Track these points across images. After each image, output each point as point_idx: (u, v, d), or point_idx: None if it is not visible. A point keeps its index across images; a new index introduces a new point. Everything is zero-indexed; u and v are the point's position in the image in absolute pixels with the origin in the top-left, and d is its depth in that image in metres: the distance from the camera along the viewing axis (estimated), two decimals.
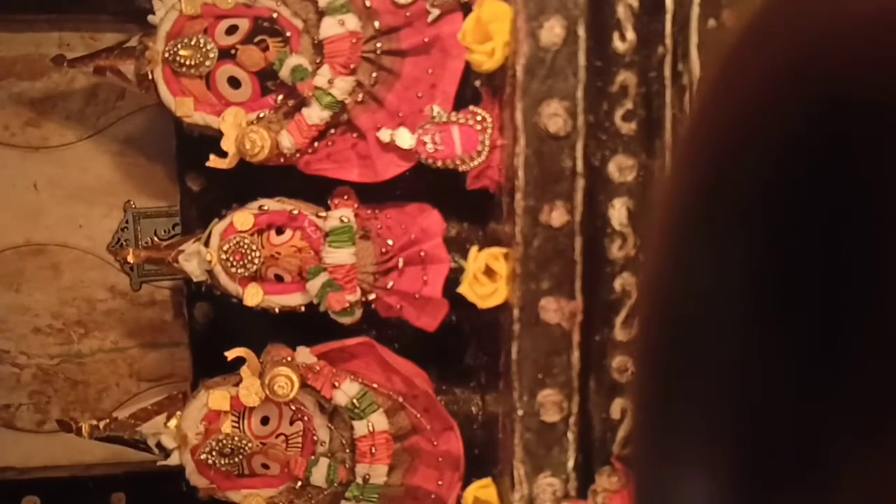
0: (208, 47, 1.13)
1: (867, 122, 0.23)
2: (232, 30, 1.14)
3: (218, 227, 1.15)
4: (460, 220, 1.19)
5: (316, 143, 1.15)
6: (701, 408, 0.26)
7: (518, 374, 1.10)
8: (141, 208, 1.50)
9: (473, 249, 1.12)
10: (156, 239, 1.50)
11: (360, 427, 1.17)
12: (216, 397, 1.17)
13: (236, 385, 1.16)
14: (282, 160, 1.14)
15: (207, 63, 1.13)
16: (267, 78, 1.13)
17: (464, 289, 1.12)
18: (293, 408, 1.19)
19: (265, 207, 1.15)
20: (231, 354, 1.15)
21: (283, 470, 1.19)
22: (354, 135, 1.16)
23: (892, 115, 0.23)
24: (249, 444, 1.18)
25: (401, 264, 1.15)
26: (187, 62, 1.12)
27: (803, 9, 0.26)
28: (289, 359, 1.17)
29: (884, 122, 0.23)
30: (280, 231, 1.16)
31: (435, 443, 1.21)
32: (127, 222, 1.51)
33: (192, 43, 1.12)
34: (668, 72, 1.08)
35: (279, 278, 1.16)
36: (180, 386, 1.37)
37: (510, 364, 1.11)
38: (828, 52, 0.24)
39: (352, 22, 1.11)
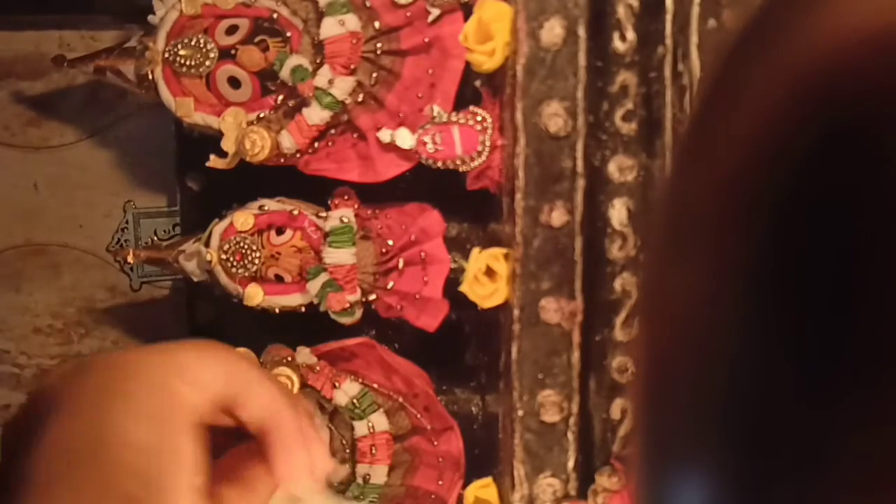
0: (208, 47, 1.13)
1: (876, 144, 0.23)
2: (232, 30, 1.14)
3: (218, 227, 1.15)
4: (460, 220, 1.19)
5: (316, 144, 1.15)
6: (701, 407, 0.26)
7: (518, 374, 1.10)
8: (141, 208, 1.50)
9: (475, 250, 1.12)
10: (156, 239, 1.50)
11: (360, 427, 1.17)
12: None
13: None
14: (282, 160, 1.14)
15: (207, 63, 1.13)
16: (267, 78, 1.13)
17: (465, 289, 1.12)
18: None
19: (265, 207, 1.16)
20: None
21: None
22: (354, 135, 1.16)
23: None
24: None
25: (401, 264, 1.15)
26: (187, 62, 1.12)
27: (806, 22, 0.26)
28: (289, 359, 1.17)
29: (889, 134, 0.23)
30: (280, 231, 1.16)
31: (435, 443, 1.21)
32: (127, 222, 1.51)
33: (192, 43, 1.13)
34: (668, 72, 1.08)
35: (279, 278, 1.16)
36: None
37: (510, 364, 1.11)
38: (833, 73, 0.25)
39: (352, 22, 1.11)
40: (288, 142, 1.12)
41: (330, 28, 1.11)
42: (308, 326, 1.19)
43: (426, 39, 1.12)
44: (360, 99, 1.13)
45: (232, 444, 0.43)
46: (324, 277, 1.13)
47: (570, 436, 1.11)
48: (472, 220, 1.19)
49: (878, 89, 0.23)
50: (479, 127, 1.10)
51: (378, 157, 1.15)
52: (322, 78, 1.11)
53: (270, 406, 0.42)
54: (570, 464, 1.12)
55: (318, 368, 1.17)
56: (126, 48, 1.16)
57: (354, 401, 1.17)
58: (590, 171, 1.09)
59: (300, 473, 0.43)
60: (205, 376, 0.40)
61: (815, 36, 0.25)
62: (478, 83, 1.13)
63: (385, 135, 1.12)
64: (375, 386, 1.19)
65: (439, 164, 1.12)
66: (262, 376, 0.42)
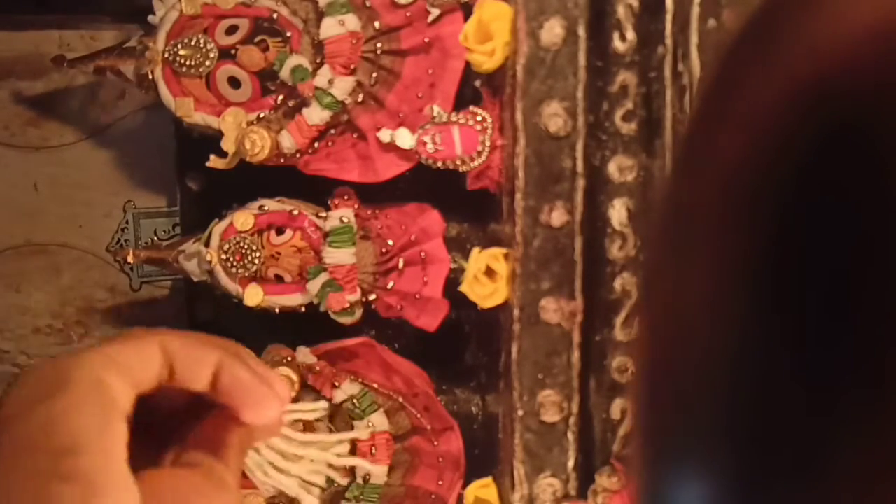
0: (208, 47, 1.13)
1: (876, 142, 0.23)
2: (232, 30, 1.14)
3: (218, 227, 1.15)
4: (460, 220, 1.19)
5: (316, 144, 1.15)
6: (702, 407, 0.26)
7: (518, 374, 1.10)
8: (141, 208, 1.50)
9: (475, 250, 1.12)
10: (156, 239, 1.50)
11: (360, 427, 1.17)
12: None
13: None
14: (282, 160, 1.14)
15: (207, 63, 1.13)
16: (267, 78, 1.14)
17: (465, 289, 1.12)
18: None
19: (265, 207, 1.16)
20: None
21: None
22: (354, 135, 1.16)
23: None
24: None
25: (401, 264, 1.15)
26: (187, 62, 1.12)
27: (804, 21, 0.26)
28: (289, 359, 1.17)
29: (885, 135, 0.23)
30: (280, 231, 1.16)
31: (435, 443, 1.21)
32: (127, 222, 1.51)
33: (192, 43, 1.13)
34: (668, 72, 1.08)
35: (279, 278, 1.16)
36: None
37: (510, 364, 1.11)
38: (833, 71, 0.25)
39: (352, 22, 1.11)
40: (288, 142, 1.12)
41: (330, 28, 1.11)
42: (308, 326, 1.19)
43: (426, 39, 1.12)
44: (360, 99, 1.13)
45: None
46: (324, 277, 1.13)
47: (570, 436, 1.11)
48: (472, 220, 1.19)
49: (877, 88, 0.23)
50: (479, 127, 1.10)
51: (378, 157, 1.15)
52: (322, 78, 1.11)
53: (214, 362, 0.44)
54: (570, 464, 1.12)
55: (318, 368, 1.17)
56: (126, 48, 1.16)
57: (354, 401, 1.17)
58: (590, 171, 1.09)
59: (270, 411, 0.45)
60: (132, 363, 0.42)
61: (816, 34, 0.25)
62: (478, 83, 1.13)
63: (385, 135, 1.12)
64: (375, 386, 1.19)
65: (439, 164, 1.12)
66: (190, 341, 0.44)
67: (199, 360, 0.44)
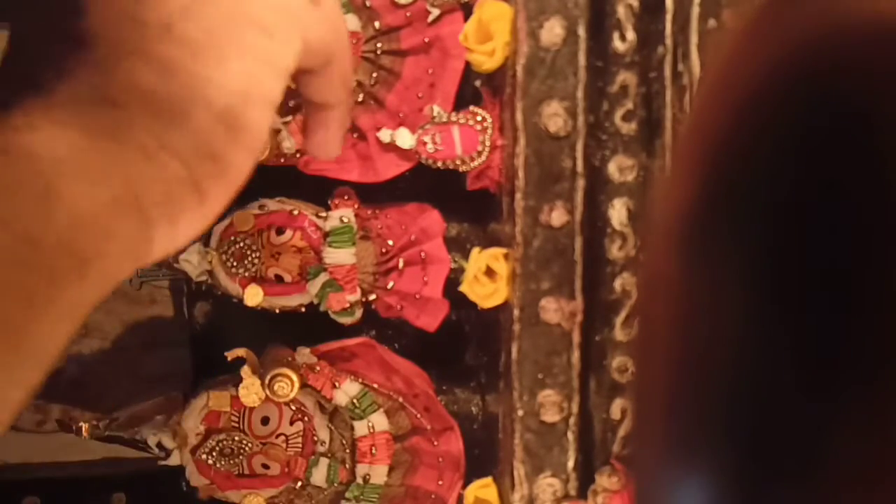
0: None
1: (868, 126, 0.23)
2: None
3: (218, 227, 1.15)
4: (460, 220, 1.19)
5: None
6: (702, 408, 0.26)
7: (518, 374, 1.10)
8: None
9: (475, 250, 1.12)
10: None
11: (360, 427, 1.17)
12: (217, 398, 1.17)
13: (236, 385, 1.16)
14: (282, 160, 1.14)
15: None
16: None
17: (465, 289, 1.12)
18: (293, 408, 1.19)
19: (265, 207, 1.16)
20: (231, 354, 1.15)
21: (283, 470, 1.19)
22: (355, 135, 1.16)
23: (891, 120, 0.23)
24: (249, 445, 1.18)
25: (401, 264, 1.15)
26: None
27: (800, 11, 0.26)
28: (289, 359, 1.17)
29: (884, 127, 0.23)
30: (280, 231, 1.16)
31: (435, 443, 1.21)
32: None
33: None
34: (668, 72, 1.08)
35: (279, 278, 1.16)
36: (180, 386, 1.37)
37: (510, 364, 1.11)
38: (827, 55, 0.24)
39: (352, 22, 1.11)
40: (288, 142, 1.12)
41: None
42: (308, 326, 1.19)
43: (426, 39, 1.12)
44: (360, 99, 1.13)
45: None
46: (324, 277, 1.13)
47: (570, 436, 1.11)
48: (472, 220, 1.19)
49: (878, 80, 0.23)
50: (479, 127, 1.10)
51: (378, 157, 1.15)
52: None
53: (346, 84, 0.48)
54: (570, 464, 1.12)
55: (318, 368, 1.17)
56: None
57: (354, 401, 1.17)
58: (590, 171, 1.09)
59: (321, 152, 0.52)
60: (315, 40, 0.46)
61: (816, 26, 0.25)
62: (478, 83, 1.13)
63: (385, 135, 1.12)
64: (375, 386, 1.19)
65: (439, 164, 1.12)
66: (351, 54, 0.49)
67: (336, 91, 0.47)
